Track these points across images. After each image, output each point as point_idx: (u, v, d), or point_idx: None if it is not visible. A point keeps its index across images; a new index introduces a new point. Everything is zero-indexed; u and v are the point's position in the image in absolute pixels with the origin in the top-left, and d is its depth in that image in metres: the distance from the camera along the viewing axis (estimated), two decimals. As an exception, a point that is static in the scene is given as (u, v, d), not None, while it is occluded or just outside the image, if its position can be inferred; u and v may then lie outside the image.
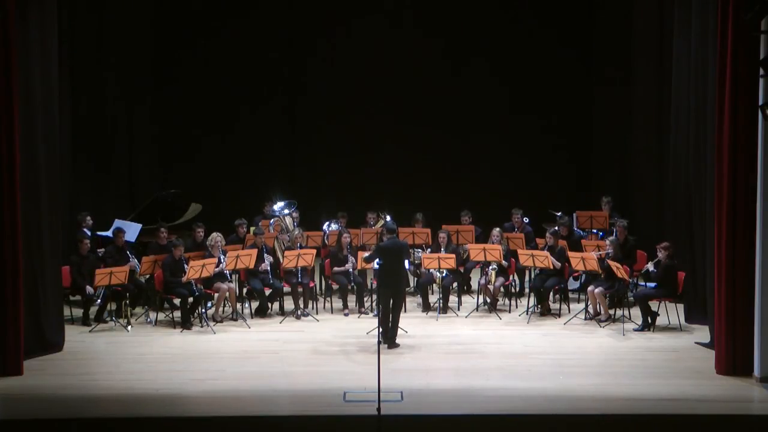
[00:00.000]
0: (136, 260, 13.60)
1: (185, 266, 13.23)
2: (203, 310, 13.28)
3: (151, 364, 11.60)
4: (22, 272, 10.89)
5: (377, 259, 12.07)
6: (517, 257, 14.07)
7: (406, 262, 12.74)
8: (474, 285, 14.95)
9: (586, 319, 13.45)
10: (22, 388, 10.57)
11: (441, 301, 13.91)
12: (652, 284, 13.16)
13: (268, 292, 13.87)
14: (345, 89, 18.13)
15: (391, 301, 12.18)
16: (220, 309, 13.61)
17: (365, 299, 14.15)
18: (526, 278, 14.78)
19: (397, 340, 12.24)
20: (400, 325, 12.37)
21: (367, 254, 13.08)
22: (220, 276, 13.51)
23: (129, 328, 13.03)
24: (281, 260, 14.03)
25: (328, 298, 14.41)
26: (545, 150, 18.25)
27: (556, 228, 14.60)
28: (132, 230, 14.59)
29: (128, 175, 17.43)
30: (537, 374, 11.02)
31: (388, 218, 15.49)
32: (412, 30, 18.06)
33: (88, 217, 14.47)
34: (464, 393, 10.40)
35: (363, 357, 11.65)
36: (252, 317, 13.74)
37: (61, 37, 12.56)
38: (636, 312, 13.22)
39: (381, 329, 11.98)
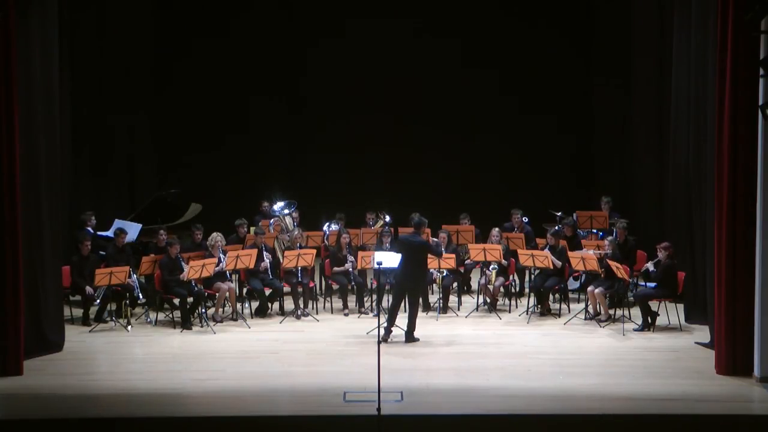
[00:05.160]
0: (136, 281, 13.56)
1: (182, 264, 13.25)
2: (203, 310, 13.28)
3: (151, 364, 11.61)
4: (22, 272, 10.88)
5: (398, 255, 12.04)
6: (517, 257, 14.07)
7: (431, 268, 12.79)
8: (474, 285, 14.95)
9: (586, 319, 13.44)
10: (22, 388, 10.56)
11: (441, 301, 13.91)
12: (652, 284, 13.15)
13: (268, 292, 13.87)
14: (345, 89, 18.14)
15: (406, 296, 12.36)
16: (220, 309, 13.61)
17: (365, 299, 14.15)
18: (526, 278, 14.78)
19: (397, 340, 12.27)
20: (400, 324, 12.40)
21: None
22: (220, 276, 13.52)
23: (129, 328, 13.03)
24: (281, 260, 14.03)
25: (328, 298, 14.41)
26: (545, 150, 18.27)
27: (558, 227, 14.61)
28: (132, 230, 14.58)
29: (128, 174, 17.43)
30: (537, 374, 11.00)
31: (387, 218, 15.52)
32: (411, 30, 18.08)
33: (93, 217, 14.48)
34: (464, 393, 10.39)
35: (363, 357, 11.63)
36: (252, 317, 13.74)
37: (62, 36, 12.56)
38: (636, 312, 13.21)
39: (387, 323, 12.19)
